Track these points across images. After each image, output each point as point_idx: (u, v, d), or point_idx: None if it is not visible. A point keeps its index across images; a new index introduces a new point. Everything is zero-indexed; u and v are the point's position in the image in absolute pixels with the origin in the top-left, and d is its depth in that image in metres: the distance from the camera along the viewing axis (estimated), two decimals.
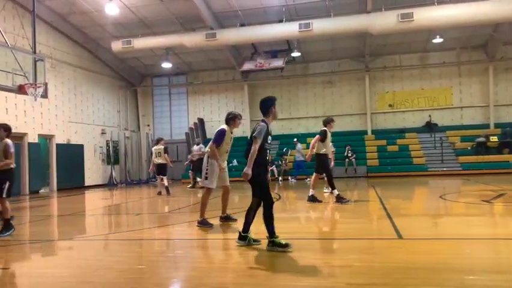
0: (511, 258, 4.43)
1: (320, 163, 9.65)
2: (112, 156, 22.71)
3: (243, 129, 24.76)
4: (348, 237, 5.46)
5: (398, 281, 3.68)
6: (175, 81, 25.87)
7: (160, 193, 13.55)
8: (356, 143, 21.59)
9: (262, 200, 4.96)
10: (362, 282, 3.70)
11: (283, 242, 4.80)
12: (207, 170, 6.69)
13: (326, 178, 9.77)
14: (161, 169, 13.57)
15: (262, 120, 5.22)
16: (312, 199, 9.53)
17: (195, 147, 17.23)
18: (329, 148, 9.83)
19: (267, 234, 4.86)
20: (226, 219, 7.09)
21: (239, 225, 6.67)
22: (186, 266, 4.69)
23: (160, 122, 26.30)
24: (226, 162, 7.08)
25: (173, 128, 25.88)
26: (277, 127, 24.41)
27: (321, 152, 9.55)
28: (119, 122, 24.27)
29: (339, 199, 9.22)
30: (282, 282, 3.83)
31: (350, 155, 20.07)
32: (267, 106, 5.28)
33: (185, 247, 5.91)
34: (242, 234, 5.13)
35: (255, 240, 5.14)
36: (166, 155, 13.59)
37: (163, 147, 13.64)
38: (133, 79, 25.50)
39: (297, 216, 8.54)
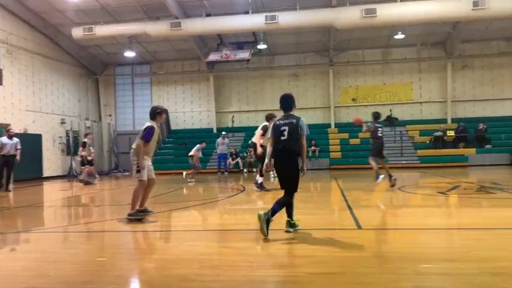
0: (463, 247, 4.62)
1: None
2: (72, 146, 22.03)
3: (208, 121, 24.70)
4: (310, 227, 5.55)
5: (355, 270, 3.79)
6: (138, 71, 25.31)
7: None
8: (319, 136, 21.92)
9: (293, 188, 5.30)
10: (322, 271, 3.79)
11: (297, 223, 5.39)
12: (137, 164, 6.60)
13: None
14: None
15: (292, 115, 5.41)
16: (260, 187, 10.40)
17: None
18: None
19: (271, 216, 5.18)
20: (144, 212, 6.89)
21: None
22: (148, 258, 4.64)
23: (123, 112, 25.71)
24: (151, 158, 7.07)
25: (136, 119, 25.36)
26: (243, 119, 24.46)
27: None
28: (79, 112, 23.55)
29: (260, 186, 10.31)
30: (243, 272, 3.86)
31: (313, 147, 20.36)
32: (293, 102, 5.51)
33: (148, 238, 5.84)
34: (292, 221, 5.36)
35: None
36: (80, 148, 15.52)
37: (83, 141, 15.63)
38: (94, 67, 24.75)
39: (262, 207, 8.59)
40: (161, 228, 6.45)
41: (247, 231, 5.72)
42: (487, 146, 20.33)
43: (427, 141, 21.15)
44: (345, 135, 22.34)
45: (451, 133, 20.92)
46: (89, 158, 15.19)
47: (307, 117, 25.70)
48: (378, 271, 3.75)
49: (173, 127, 24.92)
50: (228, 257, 4.44)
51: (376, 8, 17.04)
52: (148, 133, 6.60)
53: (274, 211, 5.13)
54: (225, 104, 24.98)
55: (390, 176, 9.88)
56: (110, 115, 25.67)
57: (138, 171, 6.58)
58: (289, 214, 5.35)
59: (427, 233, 5.42)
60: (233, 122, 24.46)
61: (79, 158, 16.20)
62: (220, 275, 3.82)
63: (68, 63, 22.57)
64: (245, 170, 19.44)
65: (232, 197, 10.13)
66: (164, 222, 7.00)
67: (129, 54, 21.09)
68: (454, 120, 22.23)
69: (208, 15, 18.73)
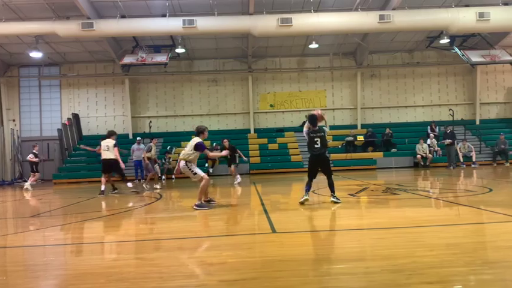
0: (368, 246, 4.87)
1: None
2: None
3: (123, 126, 23.79)
4: (225, 233, 5.52)
5: (268, 274, 3.82)
6: (46, 73, 23.67)
7: None
8: (239, 141, 22.08)
9: (331, 174, 8.41)
10: (234, 278, 3.76)
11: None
12: (191, 169, 8.28)
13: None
14: None
15: (319, 129, 8.25)
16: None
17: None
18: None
19: (332, 193, 8.30)
20: (210, 201, 8.75)
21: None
22: (50, 274, 4.29)
23: (28, 117, 23.89)
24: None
25: (44, 124, 23.68)
26: (161, 124, 23.91)
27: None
28: None
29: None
30: (154, 284, 3.71)
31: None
32: (317, 120, 8.25)
33: (53, 253, 5.41)
34: (335, 195, 8.29)
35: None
36: None
37: None
38: None
39: (178, 215, 8.40)
40: (68, 241, 6.04)
41: (161, 240, 5.55)
42: (393, 149, 21.91)
43: (339, 146, 22.26)
44: (264, 141, 22.79)
45: (361, 138, 22.25)
46: None
47: (227, 123, 25.64)
48: (290, 274, 3.81)
49: (85, 133, 23.64)
50: (138, 268, 4.25)
51: (292, 17, 17.64)
52: (202, 146, 8.32)
53: (332, 190, 8.28)
54: (142, 109, 24.28)
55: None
56: (13, 120, 23.72)
57: (195, 173, 8.31)
58: (333, 191, 8.28)
59: (340, 234, 5.65)
60: (150, 127, 23.79)
61: None
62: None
63: None
64: (163, 177, 18.97)
65: (148, 205, 9.80)
66: (72, 234, 6.56)
67: (35, 54, 19.68)
68: (363, 126, 23.69)
69: (123, 16, 18.09)
